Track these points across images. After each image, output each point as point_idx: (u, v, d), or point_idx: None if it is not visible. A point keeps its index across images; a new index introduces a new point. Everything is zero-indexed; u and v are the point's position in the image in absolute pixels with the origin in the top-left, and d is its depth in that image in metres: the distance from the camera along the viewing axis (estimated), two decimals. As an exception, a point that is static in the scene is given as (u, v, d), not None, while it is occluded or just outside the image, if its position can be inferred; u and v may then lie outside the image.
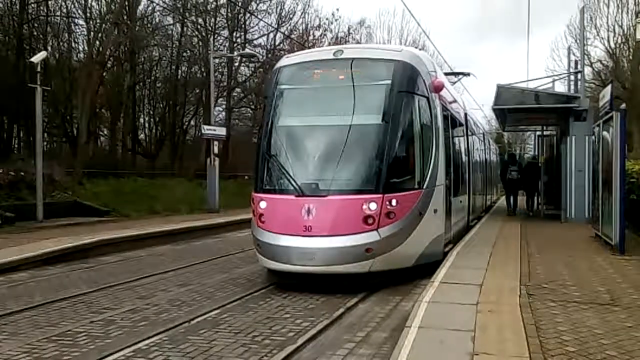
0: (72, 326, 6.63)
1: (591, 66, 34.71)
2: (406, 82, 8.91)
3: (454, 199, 10.97)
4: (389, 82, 8.78)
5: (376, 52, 10.08)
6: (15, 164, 19.26)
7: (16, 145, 27.32)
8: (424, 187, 8.84)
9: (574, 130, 15.79)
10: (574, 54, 22.11)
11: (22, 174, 17.83)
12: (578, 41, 22.49)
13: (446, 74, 18.17)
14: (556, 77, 23.34)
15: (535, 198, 20.01)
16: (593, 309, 6.20)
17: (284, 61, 9.99)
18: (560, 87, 23.17)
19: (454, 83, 18.63)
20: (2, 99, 23.45)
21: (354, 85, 8.81)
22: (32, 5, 26.19)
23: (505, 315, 5.88)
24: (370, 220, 8.11)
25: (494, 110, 17.52)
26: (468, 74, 19.46)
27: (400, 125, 8.65)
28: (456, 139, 12.37)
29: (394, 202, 8.22)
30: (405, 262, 8.69)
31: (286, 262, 8.21)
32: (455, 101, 13.06)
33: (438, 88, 9.59)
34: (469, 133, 15.10)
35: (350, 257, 8.02)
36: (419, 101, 9.08)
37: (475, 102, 41.63)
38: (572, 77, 19.81)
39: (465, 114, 14.72)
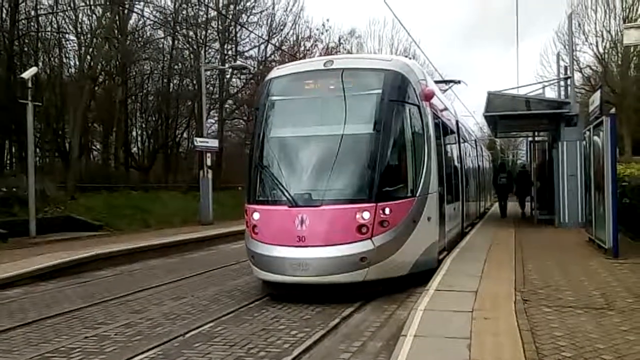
0: (66, 342, 6.57)
1: (581, 72, 35.07)
2: (397, 91, 8.93)
3: (448, 206, 10.94)
4: (380, 91, 8.81)
5: (366, 62, 10.11)
6: (7, 180, 19.21)
7: (8, 161, 27.20)
8: (417, 195, 8.82)
9: (565, 135, 15.90)
10: (563, 60, 22.25)
11: (15, 189, 17.78)
12: (567, 47, 22.72)
13: (437, 81, 18.24)
14: (546, 84, 23.45)
15: (527, 203, 21.78)
16: (588, 313, 6.21)
17: (275, 72, 9.99)
18: (551, 93, 23.28)
19: (445, 91, 18.66)
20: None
21: (344, 95, 8.80)
22: (23, 21, 26.17)
23: (500, 321, 5.88)
24: (364, 229, 8.08)
25: (485, 117, 17.61)
26: (458, 82, 19.54)
27: (392, 134, 8.67)
28: (448, 147, 12.36)
29: (387, 211, 8.19)
30: (400, 270, 8.66)
31: (280, 273, 8.18)
32: (446, 109, 13.09)
33: (428, 96, 9.63)
34: (461, 140, 15.12)
35: (345, 266, 7.99)
36: (409, 110, 9.09)
37: (467, 109, 41.91)
38: (562, 83, 19.93)
39: (457, 122, 14.75)
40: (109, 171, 30.33)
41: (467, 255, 10.58)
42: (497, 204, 24.86)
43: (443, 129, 11.24)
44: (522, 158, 51.58)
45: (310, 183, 8.55)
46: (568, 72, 19.02)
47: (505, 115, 16.46)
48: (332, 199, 8.29)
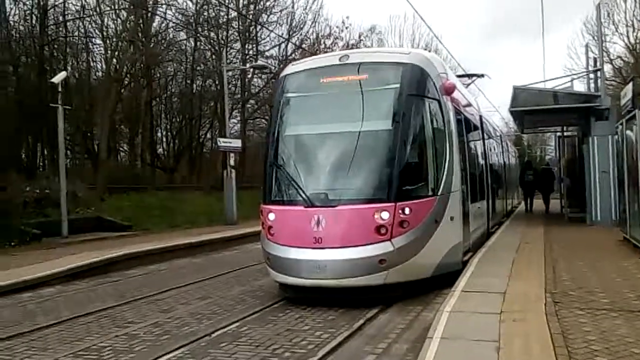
0: (98, 340, 6.69)
1: (611, 63, 34.17)
2: (415, 85, 8.61)
3: (472, 205, 10.60)
4: (398, 85, 8.49)
5: (383, 55, 9.78)
6: (40, 181, 19.61)
7: (41, 164, 27.79)
8: (439, 193, 8.50)
9: (595, 130, 15.53)
10: (592, 52, 21.83)
11: (47, 191, 18.12)
12: (596, 38, 22.26)
13: (459, 76, 17.99)
14: (575, 76, 22.93)
15: (550, 198, 23.05)
16: (623, 316, 6.01)
17: (290, 69, 9.77)
18: (580, 87, 22.79)
19: (468, 85, 18.29)
20: (26, 119, 23.90)
21: (361, 91, 8.53)
22: (52, 27, 26.68)
23: (530, 324, 5.74)
24: (382, 230, 7.80)
25: (511, 112, 17.30)
26: (482, 76, 19.11)
27: (411, 130, 8.37)
28: (472, 143, 12.01)
29: (407, 211, 7.90)
30: (422, 273, 8.35)
31: (296, 276, 7.99)
32: (469, 103, 12.62)
33: (449, 90, 9.25)
34: (486, 136, 14.66)
35: (363, 269, 7.73)
36: (429, 104, 8.75)
37: (492, 105, 41.33)
38: (592, 76, 19.48)
39: (481, 117, 14.32)
40: (136, 172, 30.76)
41: (494, 255, 10.40)
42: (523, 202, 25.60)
43: (465, 125, 10.88)
44: (550, 154, 50.77)
45: (327, 182, 8.31)
46: (598, 64, 18.55)
47: (532, 110, 16.14)
48: (350, 199, 8.06)
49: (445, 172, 8.69)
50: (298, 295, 8.21)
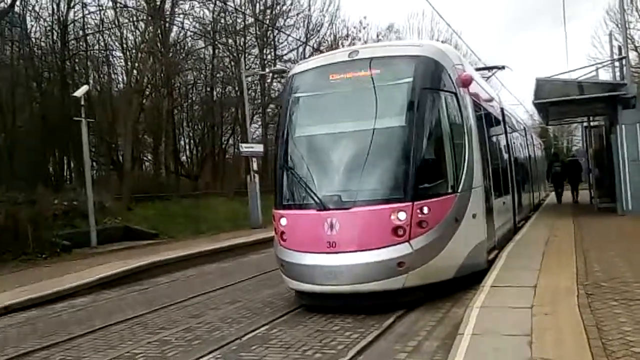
0: (131, 348, 6.79)
1: (636, 50, 33.43)
2: (429, 78, 8.24)
3: (496, 201, 10.23)
4: (411, 79, 8.10)
5: (394, 49, 9.38)
6: (68, 194, 20.00)
7: (68, 176, 28.30)
8: (459, 190, 8.12)
9: (623, 118, 15.23)
10: (616, 39, 21.38)
11: (75, 203, 18.48)
12: (619, 26, 21.81)
13: (479, 69, 17.70)
14: (599, 65, 22.50)
15: (579, 189, 23.27)
16: (658, 306, 5.86)
17: (298, 67, 9.47)
18: (605, 75, 22.36)
19: (488, 78, 17.80)
20: (51, 133, 24.38)
21: (372, 87, 8.15)
22: (72, 42, 27.17)
23: (563, 317, 5.65)
24: (400, 232, 7.44)
25: (535, 104, 17.05)
26: (502, 67, 18.50)
27: (427, 126, 8.03)
28: (493, 136, 11.57)
29: (425, 210, 7.54)
30: (444, 274, 7.97)
31: (311, 282, 7.68)
32: (488, 96, 12.13)
33: (466, 82, 8.80)
34: (508, 129, 14.17)
35: (381, 273, 7.38)
36: (445, 98, 8.38)
37: (515, 98, 40.83)
38: (617, 64, 19.10)
39: (502, 109, 13.86)
40: (161, 180, 31.10)
41: (523, 249, 10.25)
42: (552, 194, 25.92)
43: (486, 117, 10.52)
44: (577, 144, 49.96)
45: (340, 183, 7.98)
46: (622, 52, 18.19)
47: (557, 101, 15.89)
48: (364, 200, 7.70)
49: (465, 168, 8.30)
50: (314, 303, 7.93)
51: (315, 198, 7.87)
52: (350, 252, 7.48)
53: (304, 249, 7.82)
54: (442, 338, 6.22)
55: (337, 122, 8.44)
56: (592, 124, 20.95)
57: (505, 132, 13.58)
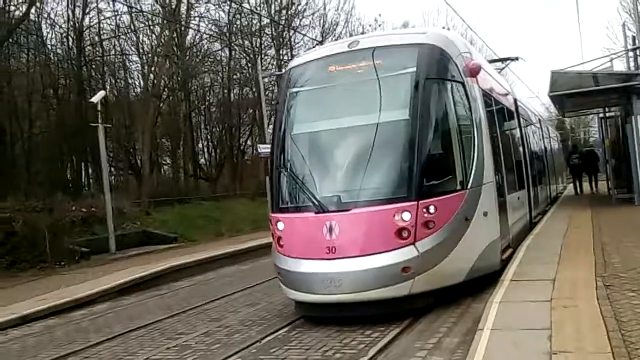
0: (150, 354, 6.84)
1: (650, 39, 32.99)
2: (435, 67, 7.74)
3: (510, 197, 9.69)
4: (414, 69, 7.57)
5: (396, 37, 8.76)
6: (86, 200, 20.23)
7: (86, 182, 28.66)
8: (468, 187, 7.56)
9: (638, 108, 15.03)
10: (629, 30, 21.10)
11: (93, 209, 18.68)
12: (632, 16, 21.53)
13: (492, 60, 17.42)
14: (613, 56, 22.22)
15: (596, 179, 23.69)
16: (677, 296, 5.83)
17: (295, 61, 9.06)
18: (620, 66, 22.10)
19: (501, 70, 17.43)
20: (69, 140, 24.71)
21: (374, 79, 7.67)
22: (88, 47, 27.51)
23: (582, 309, 5.63)
24: (404, 234, 6.94)
25: (551, 97, 16.91)
26: (516, 59, 17.96)
27: (432, 118, 7.52)
28: (506, 129, 11.08)
29: (431, 209, 7.02)
30: (453, 278, 7.45)
31: (309, 292, 7.17)
32: (500, 86, 11.52)
33: (474, 71, 8.26)
34: (522, 121, 13.60)
35: (384, 279, 6.86)
36: (452, 88, 7.87)
37: (531, 91, 40.45)
38: (631, 54, 18.88)
39: (515, 100, 13.25)
40: (179, 184, 31.37)
41: (542, 243, 10.19)
42: (570, 186, 25.87)
43: (497, 109, 9.95)
44: (594, 136, 49.42)
45: (339, 183, 7.53)
46: (636, 42, 17.99)
47: (572, 93, 15.75)
48: (365, 200, 7.20)
49: (474, 163, 7.74)
50: (314, 314, 7.45)
51: (313, 200, 7.40)
52: (350, 257, 6.97)
53: (301, 255, 7.33)
54: (462, 334, 6.23)
55: (336, 118, 8.02)
56: (607, 114, 20.71)
57: (519, 124, 13.08)
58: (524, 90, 31.56)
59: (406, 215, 6.97)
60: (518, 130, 12.79)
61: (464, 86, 8.03)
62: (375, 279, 6.88)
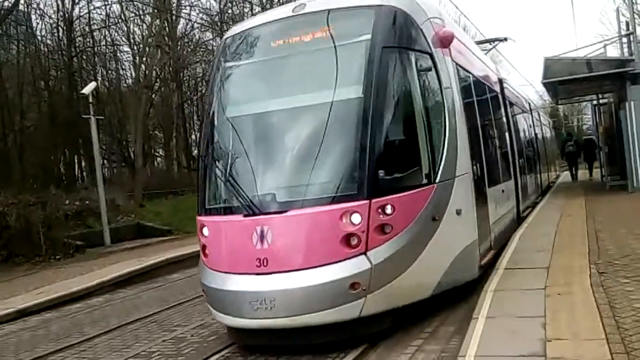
0: (146, 347, 6.83)
1: (644, 25, 33.01)
2: (395, 34, 6.34)
3: (492, 190, 8.48)
4: (369, 37, 6.20)
5: None
6: (80, 193, 20.18)
7: (79, 175, 28.56)
8: (436, 180, 6.23)
9: (632, 94, 15.03)
10: (623, 15, 21.08)
11: (87, 202, 18.64)
12: (626, 1, 21.49)
13: (479, 42, 16.68)
14: (607, 42, 22.24)
15: (593, 167, 24.06)
16: (670, 282, 5.88)
17: (232, 29, 7.62)
18: (613, 52, 22.12)
19: (488, 51, 16.76)
20: (61, 132, 24.57)
21: (321, 49, 6.37)
22: (79, 38, 27.30)
23: (576, 297, 5.67)
24: (353, 241, 5.62)
25: (544, 84, 16.93)
26: (505, 39, 17.15)
27: (391, 97, 6.21)
28: (488, 112, 9.66)
29: (388, 209, 5.72)
30: (417, 294, 6.14)
31: (236, 315, 5.86)
32: (481, 62, 10.16)
33: (446, 40, 6.84)
34: (508, 104, 12.11)
35: (327, 299, 5.54)
36: (416, 60, 6.45)
37: (525, 79, 40.48)
38: (624, 40, 18.89)
39: (501, 81, 11.89)
40: (173, 176, 31.31)
41: (536, 231, 10.23)
42: (564, 174, 26.48)
43: (477, 88, 8.66)
44: (587, 123, 49.58)
45: (273, 178, 6.21)
46: (630, 28, 17.98)
47: (565, 80, 15.76)
48: (305, 199, 5.87)
49: (445, 151, 6.43)
50: (243, 342, 6.23)
51: (241, 199, 6.12)
52: (286, 272, 5.68)
53: (228, 269, 6.05)
54: (457, 322, 6.23)
55: (274, 98, 6.65)
56: (601, 101, 20.77)
57: (505, 108, 11.62)
58: (518, 77, 31.59)
59: (356, 218, 5.65)
60: (504, 114, 11.41)
61: (432, 58, 6.62)
62: (315, 299, 5.57)
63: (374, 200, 5.70)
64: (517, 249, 8.62)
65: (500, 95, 11.30)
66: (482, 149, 8.21)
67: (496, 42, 17.61)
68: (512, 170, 10.96)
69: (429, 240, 6.10)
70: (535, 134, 18.85)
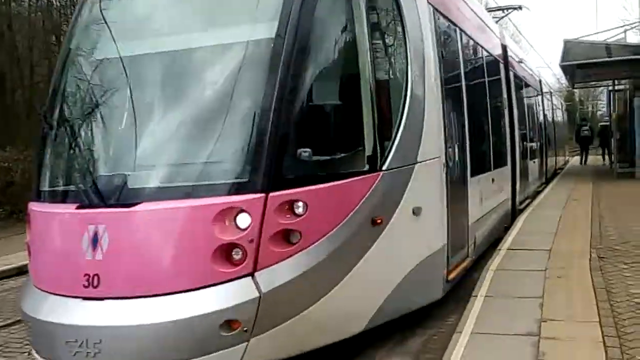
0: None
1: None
2: None
3: (476, 179, 6.75)
4: None
5: None
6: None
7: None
8: (383, 166, 4.38)
9: (649, 81, 14.96)
10: (646, 1, 20.74)
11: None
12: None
13: (490, 9, 15.95)
14: (628, 27, 21.92)
15: (610, 152, 23.58)
16: (668, 270, 5.97)
17: None
18: (634, 38, 21.88)
19: (500, 19, 15.59)
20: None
21: None
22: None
23: (574, 280, 5.77)
24: (236, 255, 3.74)
25: (562, 67, 16.80)
26: (519, 7, 15.95)
27: (321, 42, 4.22)
28: (478, 80, 7.74)
29: (298, 208, 3.85)
30: (342, 328, 4.29)
31: (47, 358, 3.94)
32: (477, 19, 8.16)
33: None
34: (512, 77, 10.37)
35: (186, 345, 3.65)
36: None
37: (543, 61, 39.90)
38: (645, 26, 18.63)
39: (505, 47, 10.06)
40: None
41: (540, 214, 10.25)
42: (574, 159, 27.11)
43: (465, 48, 6.91)
44: (602, 109, 49.03)
45: (126, 155, 4.22)
46: (651, 14, 17.75)
47: (583, 64, 15.63)
48: (166, 188, 3.95)
49: (402, 126, 4.59)
50: None
51: (78, 181, 4.27)
52: (124, 298, 3.73)
53: (46, 287, 4.07)
54: (456, 300, 6.33)
55: (141, 39, 4.58)
56: (617, 87, 20.61)
57: (507, 80, 9.80)
58: (536, 59, 30.96)
59: (242, 220, 3.73)
60: (504, 87, 9.60)
61: None
62: (168, 344, 3.63)
63: (273, 194, 3.75)
64: (521, 230, 8.69)
65: (501, 64, 9.51)
66: (466, 126, 6.48)
67: (509, 10, 16.51)
68: (508, 154, 9.35)
69: (364, 251, 4.24)
70: (545, 115, 17.65)
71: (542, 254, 7.00)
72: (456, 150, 6.05)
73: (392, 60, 4.86)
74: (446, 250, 5.50)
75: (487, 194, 7.51)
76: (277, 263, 3.80)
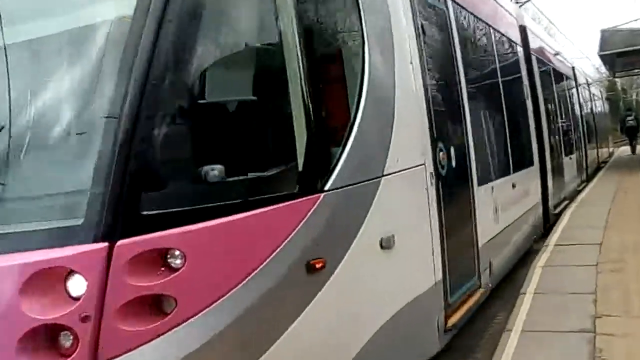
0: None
1: None
2: None
3: (490, 187, 5.64)
4: None
5: None
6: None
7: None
8: (326, 185, 3.02)
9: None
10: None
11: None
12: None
13: None
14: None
15: None
16: None
17: None
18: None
19: (523, 4, 15.01)
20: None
21: None
22: None
23: (629, 273, 5.56)
24: (64, 341, 2.33)
25: (601, 56, 16.38)
26: None
27: (206, 12, 2.77)
28: (486, 64, 6.56)
29: (174, 258, 2.44)
30: None
31: None
32: None
33: None
34: (536, 62, 9.16)
35: None
36: None
37: (581, 52, 38.88)
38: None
39: (524, 28, 8.81)
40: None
41: (588, 208, 9.98)
42: (619, 150, 26.19)
43: (461, 24, 5.56)
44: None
45: None
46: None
47: (623, 52, 15.22)
48: None
49: (356, 123, 3.31)
50: None
51: None
52: None
53: None
54: (505, 298, 6.19)
55: None
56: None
57: (528, 67, 8.58)
58: (574, 51, 30.14)
59: (74, 285, 2.36)
60: (525, 74, 8.35)
61: None
62: None
63: (123, 242, 2.38)
64: (567, 225, 8.46)
65: (520, 47, 8.29)
66: (468, 122, 5.19)
67: None
68: (535, 152, 8.24)
69: (295, 313, 2.82)
70: (582, 106, 16.24)
71: (592, 248, 6.78)
72: (453, 153, 4.65)
73: (337, 35, 3.51)
74: (442, 288, 4.15)
75: (506, 204, 6.21)
76: (136, 348, 2.34)
